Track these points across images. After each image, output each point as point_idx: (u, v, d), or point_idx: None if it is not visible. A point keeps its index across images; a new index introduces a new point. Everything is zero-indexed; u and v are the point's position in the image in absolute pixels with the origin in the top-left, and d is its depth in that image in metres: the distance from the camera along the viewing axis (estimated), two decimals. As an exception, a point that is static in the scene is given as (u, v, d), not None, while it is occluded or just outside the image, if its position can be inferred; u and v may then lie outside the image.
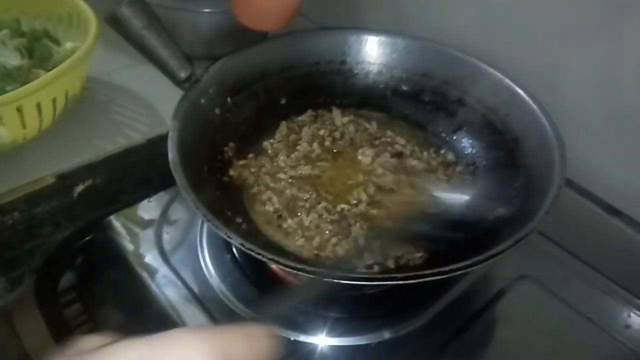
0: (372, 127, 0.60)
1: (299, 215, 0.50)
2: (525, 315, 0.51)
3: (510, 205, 0.49)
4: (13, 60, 0.57)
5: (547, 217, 0.43)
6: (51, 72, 0.50)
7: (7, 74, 0.55)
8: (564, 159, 0.47)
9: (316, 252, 0.48)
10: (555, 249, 0.56)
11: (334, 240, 0.48)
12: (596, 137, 0.56)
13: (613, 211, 0.56)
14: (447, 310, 0.49)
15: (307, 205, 0.51)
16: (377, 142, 0.58)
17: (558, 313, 0.50)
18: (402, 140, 0.58)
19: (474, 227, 0.50)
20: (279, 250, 0.48)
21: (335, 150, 0.57)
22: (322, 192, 0.52)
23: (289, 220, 0.50)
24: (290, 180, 0.53)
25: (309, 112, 0.61)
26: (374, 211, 0.51)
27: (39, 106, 0.51)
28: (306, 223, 0.49)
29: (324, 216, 0.50)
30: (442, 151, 0.58)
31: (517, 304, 0.51)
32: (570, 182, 0.58)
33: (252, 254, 0.39)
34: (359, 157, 0.56)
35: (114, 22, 0.49)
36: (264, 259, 0.39)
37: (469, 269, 0.39)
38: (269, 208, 0.51)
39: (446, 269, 0.38)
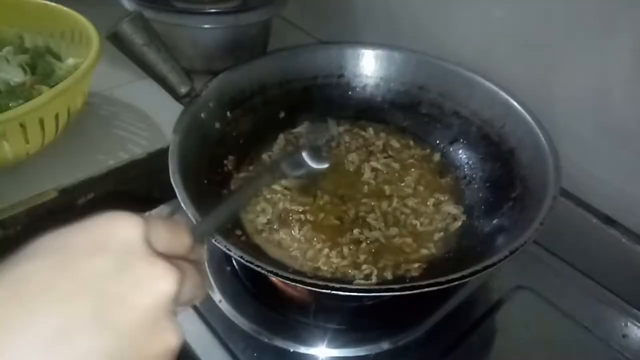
0: (369, 133, 0.61)
1: (290, 227, 0.51)
2: (523, 325, 0.51)
3: (506, 216, 0.50)
4: (16, 76, 0.58)
5: (543, 228, 0.43)
6: (54, 89, 0.51)
7: (10, 91, 0.56)
8: (559, 170, 0.48)
9: (311, 263, 0.48)
10: (552, 259, 0.56)
11: (325, 251, 0.49)
12: (590, 148, 0.56)
13: (608, 221, 0.57)
14: (445, 321, 0.50)
15: (299, 217, 0.51)
16: (371, 147, 0.59)
17: (555, 323, 0.51)
18: (396, 144, 0.60)
19: (471, 238, 0.51)
20: (277, 262, 0.48)
21: (333, 160, 0.57)
22: (317, 203, 0.53)
23: (281, 232, 0.50)
24: (285, 192, 0.54)
25: (306, 124, 0.62)
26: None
27: (41, 122, 0.52)
28: (297, 235, 0.50)
29: (316, 228, 0.50)
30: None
31: (514, 314, 0.51)
32: (566, 193, 0.58)
33: (251, 266, 0.40)
34: (348, 166, 0.57)
35: (115, 39, 0.50)
36: (263, 272, 0.40)
37: (466, 280, 0.39)
38: (262, 219, 0.51)
39: (443, 279, 0.39)
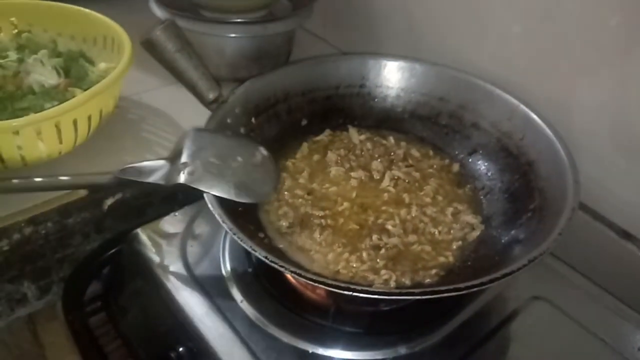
0: (389, 141, 0.62)
1: (311, 231, 0.52)
2: (538, 335, 0.51)
3: (524, 227, 0.51)
4: (50, 79, 0.61)
5: (561, 238, 0.44)
6: (88, 91, 0.53)
7: (45, 92, 0.58)
8: (578, 183, 0.48)
9: (331, 266, 0.49)
10: (569, 271, 0.56)
11: (345, 255, 0.50)
12: (608, 163, 0.57)
13: (626, 235, 0.57)
14: (461, 329, 0.50)
15: (320, 221, 0.53)
16: (392, 156, 0.60)
17: (571, 334, 0.51)
18: (416, 153, 0.61)
19: (489, 248, 0.51)
20: (298, 265, 0.49)
21: (353, 168, 0.59)
22: (337, 208, 0.54)
23: (302, 235, 0.52)
24: (306, 197, 0.55)
25: (327, 132, 0.63)
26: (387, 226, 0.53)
27: (75, 123, 0.54)
28: (318, 239, 0.51)
29: (336, 233, 0.52)
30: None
31: (530, 324, 0.52)
32: (584, 206, 0.59)
33: (276, 266, 0.41)
34: (372, 174, 0.58)
35: (149, 45, 0.52)
36: (287, 272, 0.41)
37: (485, 286, 0.40)
38: (284, 223, 0.52)
39: (462, 285, 0.40)
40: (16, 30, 0.68)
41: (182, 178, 0.47)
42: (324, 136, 0.63)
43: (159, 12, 0.69)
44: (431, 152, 0.62)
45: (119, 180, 0.49)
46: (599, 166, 0.57)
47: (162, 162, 0.50)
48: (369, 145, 0.61)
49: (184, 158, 0.49)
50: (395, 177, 0.57)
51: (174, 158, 0.50)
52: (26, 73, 0.60)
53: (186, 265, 0.54)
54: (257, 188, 0.53)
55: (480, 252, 0.51)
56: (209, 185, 0.48)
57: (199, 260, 0.55)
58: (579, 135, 0.57)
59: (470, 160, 0.60)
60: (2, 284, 0.55)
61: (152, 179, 0.49)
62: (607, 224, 0.59)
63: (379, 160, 0.59)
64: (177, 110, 0.69)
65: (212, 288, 0.52)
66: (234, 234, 0.43)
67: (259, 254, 0.41)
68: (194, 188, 0.47)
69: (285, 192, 0.56)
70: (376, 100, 0.65)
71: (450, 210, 0.55)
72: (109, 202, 0.58)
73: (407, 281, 0.48)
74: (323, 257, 0.50)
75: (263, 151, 0.55)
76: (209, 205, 0.45)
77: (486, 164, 0.59)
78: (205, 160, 0.49)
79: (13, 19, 0.68)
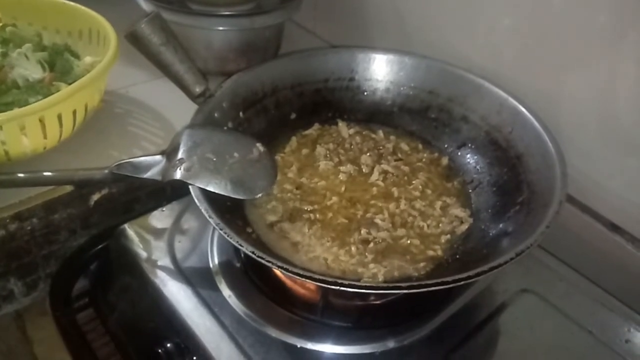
0: (379, 135, 0.62)
1: (299, 226, 0.52)
2: (526, 328, 0.51)
3: (512, 220, 0.51)
4: (35, 73, 0.60)
5: (548, 231, 0.44)
6: (73, 85, 0.52)
7: (29, 86, 0.57)
8: (565, 175, 0.48)
9: (320, 260, 0.49)
10: (557, 263, 0.57)
11: (334, 249, 0.50)
12: (596, 156, 0.57)
13: (613, 227, 0.57)
14: (450, 322, 0.51)
15: (309, 216, 0.52)
16: (382, 150, 0.60)
17: (559, 327, 0.51)
18: (405, 147, 0.61)
19: (478, 241, 0.51)
20: (286, 260, 0.49)
21: (342, 162, 0.59)
22: (326, 202, 0.54)
23: (290, 230, 0.51)
24: (295, 192, 0.55)
25: (316, 126, 0.63)
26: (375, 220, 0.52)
27: (59, 117, 0.53)
28: (307, 233, 0.51)
29: (325, 227, 0.51)
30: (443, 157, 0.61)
31: (519, 317, 0.52)
32: (572, 199, 0.59)
33: (262, 261, 0.41)
34: (361, 168, 0.58)
35: (133, 38, 0.51)
36: (274, 267, 0.41)
37: (472, 280, 0.40)
38: (273, 217, 0.52)
39: (449, 279, 0.40)
40: (0, 24, 0.67)
41: (178, 174, 0.47)
42: (313, 130, 0.63)
43: (144, 4, 0.68)
44: (420, 146, 0.62)
45: (114, 176, 0.48)
46: (587, 159, 0.57)
47: (158, 157, 0.50)
48: (358, 139, 0.61)
49: (180, 154, 0.49)
50: (384, 171, 0.57)
51: (170, 154, 0.50)
52: (10, 67, 0.59)
53: (174, 260, 0.54)
54: (254, 184, 0.52)
55: (469, 245, 0.51)
56: (205, 181, 0.47)
57: (187, 255, 0.54)
58: (567, 128, 0.57)
59: (459, 153, 0.60)
60: (-12, 280, 0.55)
61: (148, 174, 0.49)
62: (595, 216, 0.59)
63: (368, 154, 0.59)
64: (164, 104, 0.68)
65: (200, 283, 0.52)
66: (221, 230, 0.42)
67: (246, 249, 0.41)
68: (191, 184, 0.46)
69: (274, 187, 0.55)
70: (365, 93, 0.64)
71: (439, 203, 0.55)
72: (95, 197, 0.58)
73: (395, 275, 0.48)
74: (312, 251, 0.50)
75: (260, 147, 0.54)
76: (196, 201, 0.45)
77: (475, 157, 0.59)
78: (202, 156, 0.49)
79: (-3, 12, 0.67)
